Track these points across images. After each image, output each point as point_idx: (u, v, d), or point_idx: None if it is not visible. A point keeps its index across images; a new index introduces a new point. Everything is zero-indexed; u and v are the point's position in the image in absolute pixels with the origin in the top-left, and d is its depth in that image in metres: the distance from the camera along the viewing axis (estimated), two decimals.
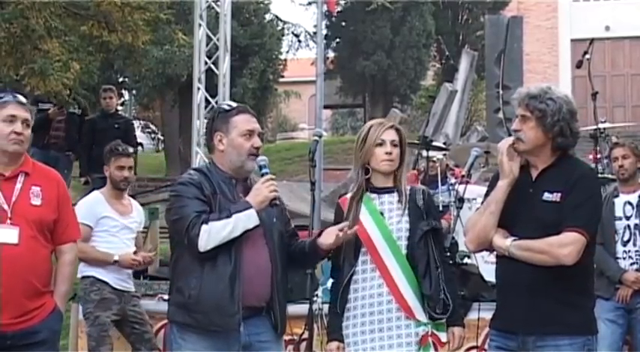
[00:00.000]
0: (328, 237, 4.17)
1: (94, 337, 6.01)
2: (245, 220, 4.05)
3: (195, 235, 4.01)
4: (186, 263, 4.14)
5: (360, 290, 4.24)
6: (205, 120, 12.68)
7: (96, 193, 6.32)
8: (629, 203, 6.10)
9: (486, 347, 4.52)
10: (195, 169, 4.32)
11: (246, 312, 4.10)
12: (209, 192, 4.14)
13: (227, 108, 4.31)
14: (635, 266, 6.00)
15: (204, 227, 4.02)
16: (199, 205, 4.09)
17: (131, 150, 6.40)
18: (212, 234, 4.01)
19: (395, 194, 4.32)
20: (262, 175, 4.18)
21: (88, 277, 6.10)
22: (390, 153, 4.27)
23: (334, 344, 4.28)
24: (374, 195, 4.32)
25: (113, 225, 6.11)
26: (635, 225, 6.05)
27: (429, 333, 4.20)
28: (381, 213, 4.28)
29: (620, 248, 6.07)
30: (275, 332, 4.23)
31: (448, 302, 4.23)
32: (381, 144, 4.28)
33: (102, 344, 5.98)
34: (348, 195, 4.38)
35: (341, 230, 4.13)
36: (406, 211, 4.26)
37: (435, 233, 4.31)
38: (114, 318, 6.07)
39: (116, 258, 6.04)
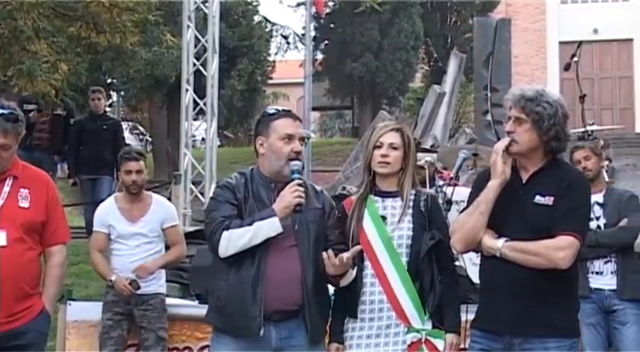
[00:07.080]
0: (330, 268, 4.03)
1: (99, 338, 6.18)
2: (267, 228, 3.99)
3: (217, 241, 4.02)
4: (218, 266, 4.14)
5: (361, 296, 4.24)
6: (193, 122, 12.74)
7: (109, 199, 6.43)
8: (597, 203, 6.07)
9: (467, 346, 4.45)
10: (239, 172, 4.24)
11: (277, 316, 4.07)
12: (241, 196, 4.10)
13: (271, 112, 4.24)
14: (610, 266, 5.97)
15: (224, 233, 4.00)
16: (229, 209, 4.07)
17: (139, 153, 6.44)
18: (231, 240, 4.00)
19: (399, 199, 4.27)
20: (292, 180, 4.08)
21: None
22: (386, 156, 4.23)
23: (334, 346, 4.27)
24: (377, 199, 4.29)
25: (118, 235, 6.17)
26: (605, 224, 6.04)
27: (423, 340, 4.16)
28: (384, 218, 4.24)
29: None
30: (307, 337, 4.13)
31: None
32: (379, 147, 4.25)
33: (103, 346, 6.12)
34: (353, 197, 4.35)
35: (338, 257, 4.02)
36: (409, 217, 4.23)
37: (438, 245, 4.23)
38: (119, 318, 6.15)
39: (113, 278, 6.10)
